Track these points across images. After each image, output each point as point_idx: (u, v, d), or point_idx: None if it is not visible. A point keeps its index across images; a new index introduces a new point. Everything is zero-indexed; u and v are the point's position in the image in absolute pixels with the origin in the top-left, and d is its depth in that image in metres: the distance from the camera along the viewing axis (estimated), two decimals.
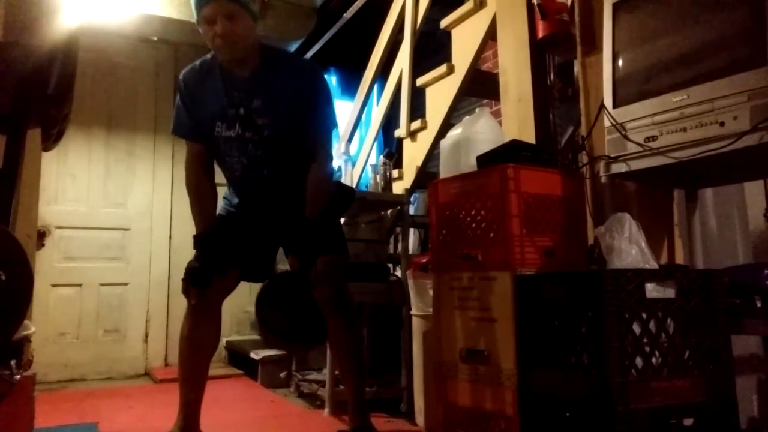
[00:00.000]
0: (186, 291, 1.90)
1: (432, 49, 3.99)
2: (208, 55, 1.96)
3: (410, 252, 2.86)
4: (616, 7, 1.73)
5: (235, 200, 2.08)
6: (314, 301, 1.89)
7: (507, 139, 2.10)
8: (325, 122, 1.99)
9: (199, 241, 1.92)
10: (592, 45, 2.00)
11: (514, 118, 2.28)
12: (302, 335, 1.95)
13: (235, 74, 1.90)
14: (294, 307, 1.88)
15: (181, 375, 1.97)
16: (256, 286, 2.10)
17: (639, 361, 1.32)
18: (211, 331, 1.97)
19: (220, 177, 2.05)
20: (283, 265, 2.19)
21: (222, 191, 2.09)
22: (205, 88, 1.93)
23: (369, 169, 3.36)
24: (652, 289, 1.35)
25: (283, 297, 1.89)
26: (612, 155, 1.69)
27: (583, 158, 1.96)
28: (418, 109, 3.40)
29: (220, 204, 2.09)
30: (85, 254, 3.82)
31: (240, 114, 1.91)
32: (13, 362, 1.40)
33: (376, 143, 3.94)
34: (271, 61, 1.93)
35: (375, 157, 3.64)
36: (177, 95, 1.99)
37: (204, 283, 1.87)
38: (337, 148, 3.52)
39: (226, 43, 1.81)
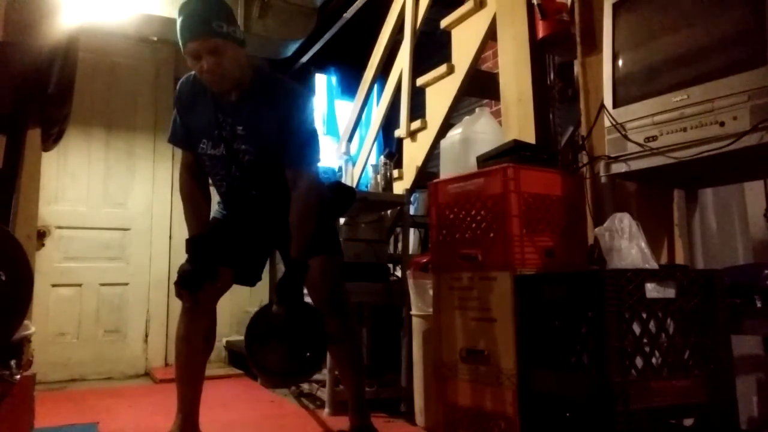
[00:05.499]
0: (179, 294, 1.91)
1: (432, 49, 3.99)
2: None
3: (410, 252, 2.86)
4: (616, 7, 1.73)
5: (226, 209, 2.09)
6: (306, 332, 1.81)
7: (507, 139, 2.10)
8: (301, 155, 1.89)
9: (190, 244, 1.92)
10: (592, 45, 2.00)
11: (514, 118, 2.28)
12: (295, 370, 1.87)
13: (224, 96, 1.88)
14: (284, 342, 1.80)
15: (179, 375, 1.97)
16: (257, 286, 2.11)
17: (639, 361, 1.32)
18: (206, 332, 1.97)
19: None
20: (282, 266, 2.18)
21: (216, 195, 2.10)
22: (196, 102, 1.93)
23: (369, 169, 3.36)
24: (652, 289, 1.35)
25: (272, 332, 1.81)
26: (612, 155, 1.69)
27: (583, 158, 1.96)
28: (418, 109, 3.40)
29: (214, 207, 2.10)
30: (85, 254, 3.82)
31: (224, 136, 1.89)
32: (13, 362, 1.40)
33: (376, 143, 3.94)
34: (258, 88, 1.89)
35: (375, 157, 3.64)
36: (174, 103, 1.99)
37: (195, 286, 1.87)
38: (338, 149, 3.52)
39: (214, 78, 1.80)
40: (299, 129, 1.89)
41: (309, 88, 4.99)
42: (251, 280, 2.09)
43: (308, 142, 1.92)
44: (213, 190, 2.05)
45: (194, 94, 1.93)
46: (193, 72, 1.95)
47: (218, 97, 1.89)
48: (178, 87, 1.98)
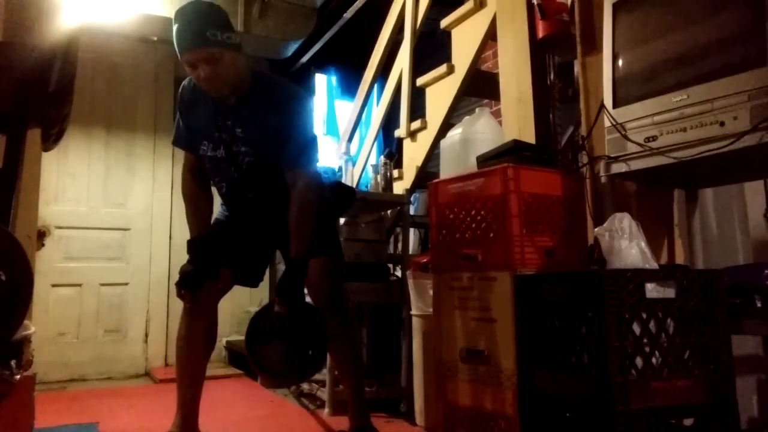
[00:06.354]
0: (180, 294, 1.91)
1: (432, 49, 3.99)
2: None
3: (410, 252, 2.86)
4: (616, 7, 1.73)
5: (228, 210, 2.10)
6: (308, 331, 1.82)
7: (507, 139, 2.10)
8: (300, 156, 1.89)
9: (191, 245, 1.93)
10: (592, 45, 2.00)
11: (514, 118, 2.28)
12: (296, 370, 1.88)
13: (224, 100, 1.89)
14: (286, 342, 1.80)
15: (179, 375, 1.97)
16: (258, 286, 2.10)
17: (639, 361, 1.32)
18: (207, 332, 1.98)
19: None
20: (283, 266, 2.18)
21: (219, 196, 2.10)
22: (197, 105, 1.95)
23: (369, 169, 3.36)
24: (652, 289, 1.35)
25: (273, 331, 1.80)
26: (612, 155, 1.69)
27: (583, 158, 1.96)
28: (418, 109, 3.40)
29: (218, 209, 2.11)
30: (85, 254, 3.83)
31: (224, 138, 1.91)
32: (13, 362, 1.40)
33: (376, 143, 3.94)
34: (257, 91, 1.90)
35: (375, 157, 3.64)
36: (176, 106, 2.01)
37: (196, 285, 1.87)
38: (338, 149, 3.52)
39: (211, 85, 1.82)
40: (298, 130, 1.90)
41: (309, 89, 4.99)
42: (253, 281, 2.09)
43: (307, 142, 1.93)
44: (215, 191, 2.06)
45: (195, 97, 1.95)
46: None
47: (218, 100, 1.89)
48: (180, 90, 1.99)
